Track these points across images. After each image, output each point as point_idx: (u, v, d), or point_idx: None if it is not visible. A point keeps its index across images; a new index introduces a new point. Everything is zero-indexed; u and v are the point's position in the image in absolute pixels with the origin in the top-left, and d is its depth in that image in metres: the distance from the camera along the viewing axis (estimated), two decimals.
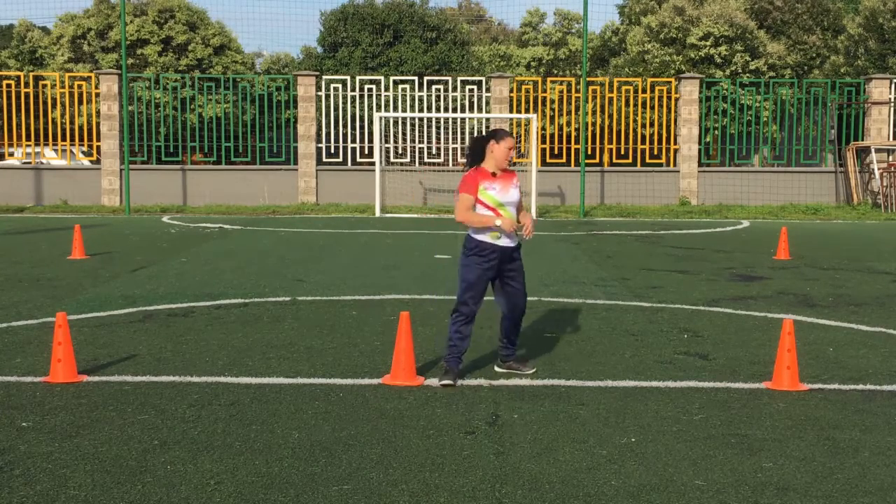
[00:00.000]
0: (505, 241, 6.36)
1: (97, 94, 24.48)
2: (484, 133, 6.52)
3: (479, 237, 6.36)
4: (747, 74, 27.30)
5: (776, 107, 25.82)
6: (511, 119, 24.19)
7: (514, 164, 24.39)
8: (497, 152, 6.40)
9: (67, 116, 24.33)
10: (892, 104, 24.40)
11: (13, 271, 11.83)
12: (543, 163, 24.73)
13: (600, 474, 4.68)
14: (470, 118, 23.95)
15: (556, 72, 34.70)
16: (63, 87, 24.93)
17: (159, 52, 28.48)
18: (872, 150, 24.04)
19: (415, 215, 22.12)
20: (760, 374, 6.68)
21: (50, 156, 26.62)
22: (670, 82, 24.90)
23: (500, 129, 6.61)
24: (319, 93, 24.52)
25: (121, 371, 6.64)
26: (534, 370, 6.67)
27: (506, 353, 6.70)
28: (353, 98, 24.86)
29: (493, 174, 6.41)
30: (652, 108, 24.87)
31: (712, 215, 22.20)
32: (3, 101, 24.45)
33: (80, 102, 25.32)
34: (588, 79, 24.57)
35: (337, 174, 24.28)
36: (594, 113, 24.92)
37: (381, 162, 22.83)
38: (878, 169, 23.77)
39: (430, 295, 10.05)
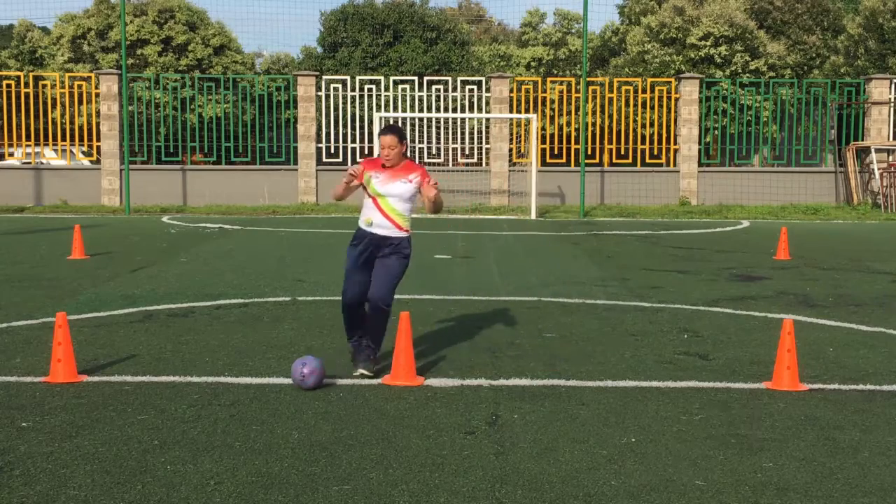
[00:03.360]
0: (377, 229, 6.59)
1: (97, 94, 24.48)
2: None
3: (359, 224, 6.71)
4: (747, 74, 27.30)
5: (776, 107, 25.82)
6: (511, 119, 24.19)
7: (514, 164, 24.40)
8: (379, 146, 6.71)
9: (67, 116, 24.33)
10: (892, 104, 24.39)
11: (13, 271, 11.83)
12: (543, 163, 24.72)
13: (600, 474, 4.68)
14: (470, 118, 23.95)
15: (556, 72, 34.69)
16: (63, 87, 24.93)
17: (159, 53, 28.48)
18: (872, 150, 24.04)
19: (415, 215, 22.10)
20: (760, 374, 6.68)
21: (50, 156, 26.61)
22: (670, 82, 24.90)
23: (391, 125, 6.78)
24: (319, 93, 24.52)
25: (121, 371, 6.64)
26: (371, 374, 6.47)
27: (362, 352, 6.63)
28: (353, 98, 24.86)
29: (383, 165, 6.65)
30: (652, 108, 24.87)
31: (712, 215, 22.20)
32: (3, 101, 24.45)
33: (80, 102, 25.32)
34: (588, 79, 24.56)
35: (337, 174, 24.20)
36: (594, 113, 24.92)
37: None
38: (878, 169, 23.76)
39: (430, 295, 10.05)
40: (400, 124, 24.60)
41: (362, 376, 6.49)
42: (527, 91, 24.87)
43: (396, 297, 9.85)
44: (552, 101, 25.48)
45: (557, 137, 25.19)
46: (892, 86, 24.44)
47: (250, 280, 11.12)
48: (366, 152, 24.71)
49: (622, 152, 24.96)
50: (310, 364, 6.13)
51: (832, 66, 29.33)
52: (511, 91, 24.55)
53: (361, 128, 24.74)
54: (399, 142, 6.59)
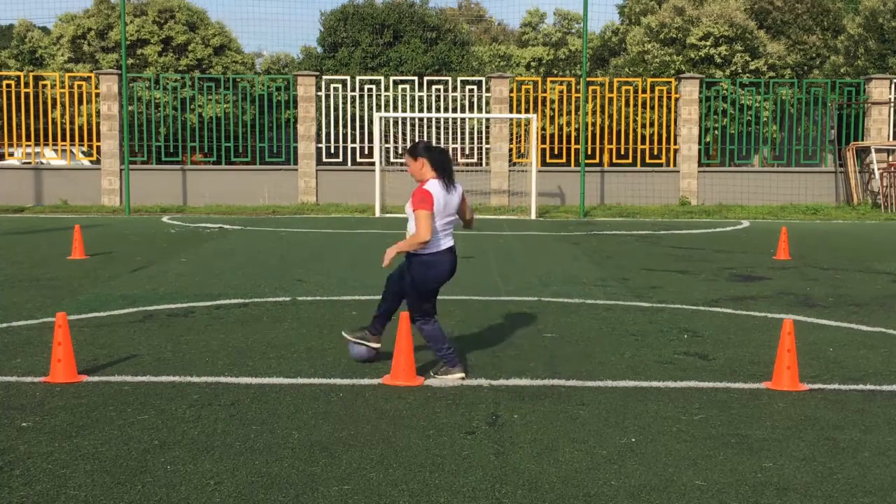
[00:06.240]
0: None
1: (97, 94, 24.49)
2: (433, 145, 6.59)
3: None
4: (747, 74, 27.30)
5: (776, 107, 25.82)
6: (511, 119, 24.19)
7: (514, 164, 24.40)
8: None
9: (67, 116, 24.33)
10: (892, 104, 24.39)
11: (13, 271, 11.82)
12: (543, 163, 24.72)
13: (600, 474, 4.68)
14: (470, 118, 23.94)
15: (556, 72, 34.70)
16: (63, 87, 24.93)
17: (159, 53, 28.49)
18: (872, 150, 24.04)
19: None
20: (760, 374, 6.68)
21: (50, 156, 26.61)
22: (670, 82, 24.90)
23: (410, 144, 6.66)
24: (319, 93, 24.52)
25: (121, 371, 6.64)
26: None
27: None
28: (353, 98, 24.86)
29: None
30: (652, 108, 24.87)
31: (712, 215, 22.20)
32: (3, 101, 24.45)
33: (80, 102, 25.32)
34: (588, 79, 24.56)
35: (337, 174, 24.28)
36: (594, 113, 24.92)
37: (381, 162, 22.82)
38: (878, 169, 23.77)
39: None
40: (400, 124, 24.60)
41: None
42: (527, 91, 24.87)
43: None
44: (552, 101, 25.48)
45: (557, 137, 25.19)
46: (892, 86, 24.44)
47: (250, 280, 11.12)
48: (366, 152, 24.73)
49: (622, 152, 24.96)
50: None
51: (832, 66, 29.33)
52: (511, 91, 24.54)
53: (361, 128, 24.74)
54: (410, 157, 6.48)
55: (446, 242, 6.47)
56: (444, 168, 6.42)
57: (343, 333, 6.84)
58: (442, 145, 24.42)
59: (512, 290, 10.53)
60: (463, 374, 6.51)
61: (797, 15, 32.32)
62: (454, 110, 24.63)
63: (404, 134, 24.84)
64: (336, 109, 24.75)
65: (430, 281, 6.47)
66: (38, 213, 22.01)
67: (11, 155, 26.75)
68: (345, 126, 24.93)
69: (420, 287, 6.47)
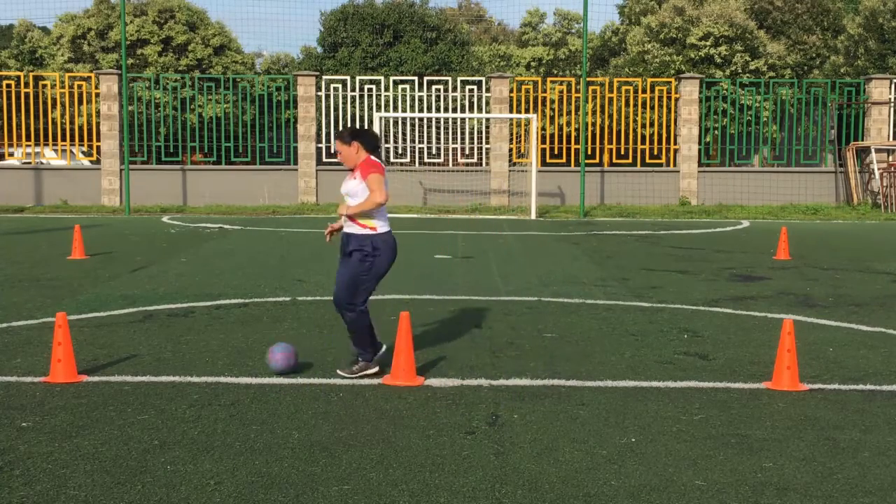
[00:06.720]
0: (346, 227, 6.70)
1: (97, 94, 24.48)
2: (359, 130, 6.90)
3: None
4: (747, 74, 27.30)
5: (776, 107, 25.82)
6: (511, 119, 24.19)
7: (514, 164, 24.40)
8: None
9: (67, 116, 24.33)
10: (892, 104, 24.39)
11: (13, 271, 11.82)
12: (543, 163, 24.72)
13: (600, 474, 4.68)
14: (470, 118, 23.94)
15: (556, 72, 34.70)
16: (63, 87, 24.93)
17: (159, 53, 28.49)
18: (872, 150, 24.04)
19: (415, 215, 22.12)
20: (760, 374, 6.68)
21: (50, 156, 26.61)
22: (670, 82, 24.90)
23: (339, 130, 6.96)
24: (319, 93, 24.53)
25: (121, 371, 6.64)
26: (355, 375, 6.50)
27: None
28: (353, 98, 24.86)
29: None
30: (652, 108, 24.87)
31: (712, 215, 22.20)
32: (3, 101, 24.45)
33: (80, 102, 25.32)
34: (588, 79, 24.56)
35: (337, 174, 24.27)
36: (594, 113, 24.92)
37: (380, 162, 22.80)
38: (878, 169, 23.76)
39: (430, 295, 10.05)
40: (400, 124, 24.59)
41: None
42: (527, 91, 24.87)
43: (397, 297, 9.88)
44: (552, 101, 25.48)
45: (557, 137, 25.18)
46: (892, 86, 24.44)
47: (250, 280, 11.12)
48: None
49: (622, 152, 24.96)
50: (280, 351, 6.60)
51: (832, 66, 29.33)
52: (511, 91, 24.54)
53: (361, 128, 24.71)
54: (344, 144, 6.67)
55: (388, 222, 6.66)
56: (378, 150, 6.79)
57: (338, 372, 6.60)
58: (442, 145, 24.55)
59: (512, 290, 10.53)
60: (377, 369, 6.54)
61: (797, 15, 32.32)
62: (454, 110, 24.63)
63: (404, 134, 24.85)
64: (336, 109, 24.75)
65: (390, 261, 6.58)
66: (38, 213, 22.01)
67: (11, 155, 26.74)
68: (345, 126, 24.93)
69: (380, 270, 6.54)
